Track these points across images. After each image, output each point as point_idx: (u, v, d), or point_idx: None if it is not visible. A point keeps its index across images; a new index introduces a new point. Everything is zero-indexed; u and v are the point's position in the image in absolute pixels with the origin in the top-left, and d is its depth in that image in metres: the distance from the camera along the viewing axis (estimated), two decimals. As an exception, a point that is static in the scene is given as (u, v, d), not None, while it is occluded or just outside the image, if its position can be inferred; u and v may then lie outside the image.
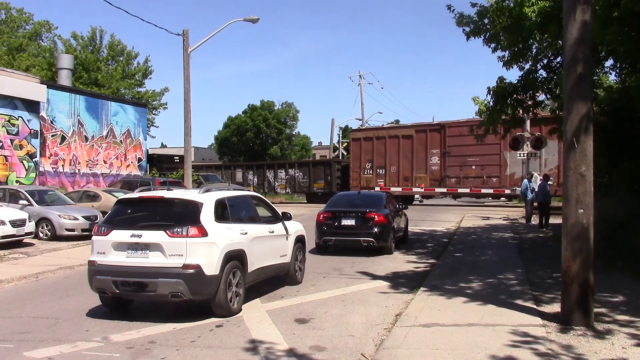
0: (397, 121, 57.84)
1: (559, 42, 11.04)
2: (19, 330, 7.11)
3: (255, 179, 36.89)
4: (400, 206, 16.03)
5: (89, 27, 45.61)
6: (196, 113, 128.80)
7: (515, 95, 12.94)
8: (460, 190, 30.24)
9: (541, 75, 13.07)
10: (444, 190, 30.54)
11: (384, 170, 32.11)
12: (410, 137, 31.41)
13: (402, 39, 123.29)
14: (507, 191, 28.60)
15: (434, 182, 30.60)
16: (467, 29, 12.31)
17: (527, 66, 12.86)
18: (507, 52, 12.33)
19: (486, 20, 12.00)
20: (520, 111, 13.57)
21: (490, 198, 32.19)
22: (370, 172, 32.61)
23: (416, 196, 33.45)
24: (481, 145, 27.78)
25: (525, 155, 22.88)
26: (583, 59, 6.76)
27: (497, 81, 12.85)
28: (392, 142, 32.00)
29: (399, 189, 31.08)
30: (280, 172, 37.36)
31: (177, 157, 34.99)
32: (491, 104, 12.98)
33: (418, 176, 30.98)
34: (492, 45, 12.30)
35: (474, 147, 27.48)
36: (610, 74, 14.01)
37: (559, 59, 12.41)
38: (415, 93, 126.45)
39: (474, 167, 29.34)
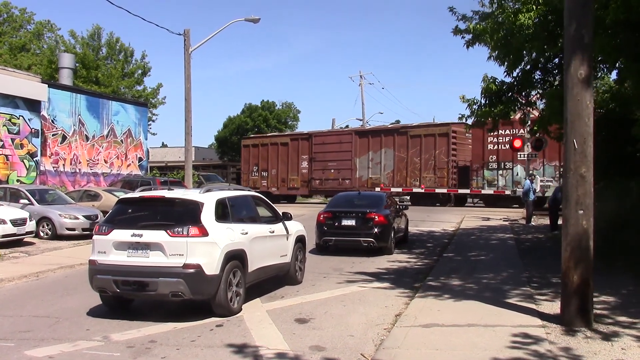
0: (398, 121, 57.90)
1: (558, 42, 11.11)
2: (19, 329, 7.12)
3: None
4: (401, 207, 16.04)
5: (89, 25, 45.69)
6: (197, 112, 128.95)
7: (510, 94, 13.01)
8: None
9: (537, 75, 13.13)
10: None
11: (267, 172, 36.69)
12: (286, 144, 36.16)
13: (403, 39, 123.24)
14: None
15: (304, 183, 35.03)
16: (468, 37, 12.40)
17: (527, 67, 12.92)
18: (505, 62, 12.48)
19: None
20: (512, 108, 13.67)
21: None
22: (257, 174, 37.12)
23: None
24: (338, 152, 34.10)
25: (525, 156, 22.90)
26: (585, 59, 6.78)
27: (488, 81, 12.83)
28: (273, 148, 36.67)
29: (397, 189, 31.61)
30: None
31: None
32: (482, 102, 13.04)
33: (292, 178, 35.56)
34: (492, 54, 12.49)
35: (333, 154, 33.97)
36: (609, 76, 14.10)
37: (556, 60, 12.47)
38: (417, 93, 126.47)
39: (332, 171, 34.07)
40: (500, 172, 28.32)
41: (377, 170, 32.20)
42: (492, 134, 26.95)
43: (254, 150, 37.73)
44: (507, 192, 28.03)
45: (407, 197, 29.67)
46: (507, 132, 27.33)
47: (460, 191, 29.81)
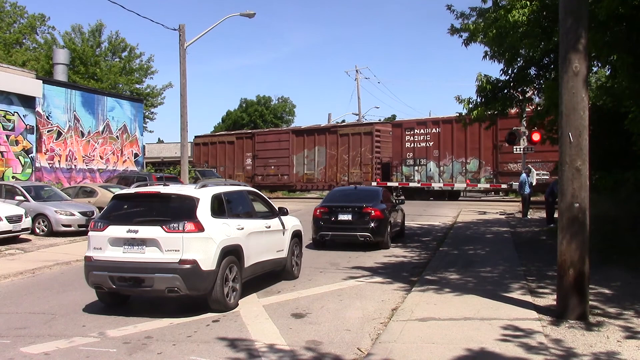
0: (394, 116, 57.98)
1: (552, 38, 11.11)
2: (15, 326, 7.10)
3: None
4: (397, 201, 16.05)
5: (82, 20, 45.47)
6: (193, 108, 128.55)
7: (505, 91, 12.99)
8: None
9: (533, 71, 13.12)
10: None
11: (216, 169, 37.75)
12: (232, 142, 38.55)
13: (399, 34, 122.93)
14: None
15: (248, 179, 36.41)
16: (465, 35, 12.40)
17: (522, 64, 12.93)
18: (501, 60, 12.49)
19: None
20: (509, 105, 13.64)
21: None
22: None
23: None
24: (277, 150, 36.25)
25: (521, 150, 22.92)
26: (580, 52, 6.78)
27: (482, 80, 12.77)
28: (221, 146, 39.00)
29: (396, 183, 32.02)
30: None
31: None
32: (478, 100, 13.00)
33: (237, 174, 37.49)
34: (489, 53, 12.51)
35: (273, 152, 36.35)
36: (603, 70, 14.12)
37: (551, 55, 12.49)
38: (413, 88, 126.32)
39: (273, 167, 36.56)
40: (415, 168, 30.74)
41: (311, 167, 34.77)
42: (409, 132, 30.66)
43: (204, 149, 39.64)
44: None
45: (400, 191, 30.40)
46: (422, 131, 30.26)
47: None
